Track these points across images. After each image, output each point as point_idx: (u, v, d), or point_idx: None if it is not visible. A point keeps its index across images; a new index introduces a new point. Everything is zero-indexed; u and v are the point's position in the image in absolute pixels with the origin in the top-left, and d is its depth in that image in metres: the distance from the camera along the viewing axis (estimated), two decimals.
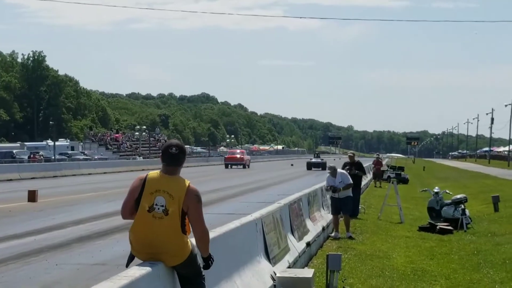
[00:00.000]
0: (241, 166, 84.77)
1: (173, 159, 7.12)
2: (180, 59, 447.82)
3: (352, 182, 20.70)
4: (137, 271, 6.34)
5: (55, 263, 14.42)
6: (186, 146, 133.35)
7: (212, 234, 8.82)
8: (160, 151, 7.30)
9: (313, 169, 76.02)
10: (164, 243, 6.87)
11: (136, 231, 6.98)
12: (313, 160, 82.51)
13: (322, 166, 74.42)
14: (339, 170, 20.89)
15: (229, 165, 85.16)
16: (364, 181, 35.11)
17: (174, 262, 6.98)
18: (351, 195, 20.75)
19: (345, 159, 27.68)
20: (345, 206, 20.17)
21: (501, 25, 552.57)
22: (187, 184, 7.04)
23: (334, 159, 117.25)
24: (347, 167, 25.03)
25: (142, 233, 6.93)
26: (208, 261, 7.39)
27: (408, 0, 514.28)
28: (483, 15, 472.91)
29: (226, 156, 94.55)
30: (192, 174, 62.69)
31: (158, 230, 6.86)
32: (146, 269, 6.45)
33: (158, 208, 6.87)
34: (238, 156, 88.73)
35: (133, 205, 7.06)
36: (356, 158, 27.08)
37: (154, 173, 7.13)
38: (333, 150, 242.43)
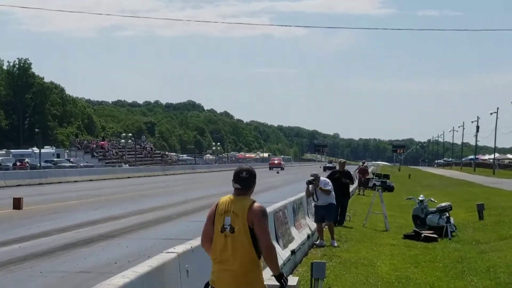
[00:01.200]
0: (280, 169, 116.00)
1: (240, 183, 7.50)
2: (166, 67, 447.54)
3: (329, 189, 20.58)
4: (120, 279, 6.36)
5: (40, 270, 14.39)
6: (172, 153, 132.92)
7: (196, 242, 8.83)
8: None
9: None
10: (234, 259, 7.13)
11: (214, 251, 7.32)
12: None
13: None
14: (322, 178, 20.89)
15: (272, 168, 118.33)
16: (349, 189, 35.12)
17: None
18: (334, 202, 20.73)
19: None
20: (329, 213, 20.18)
21: (485, 33, 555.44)
22: (254, 203, 7.34)
23: (320, 167, 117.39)
24: (337, 175, 25.07)
25: (217, 252, 7.26)
26: (281, 279, 7.38)
27: (394, 8, 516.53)
28: (468, 23, 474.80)
29: (269, 162, 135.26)
30: (178, 182, 62.71)
31: (229, 247, 7.17)
32: (130, 278, 6.47)
33: (226, 227, 7.23)
34: (276, 162, 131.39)
35: (211, 230, 7.41)
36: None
37: (226, 197, 7.52)
38: (319, 158, 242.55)
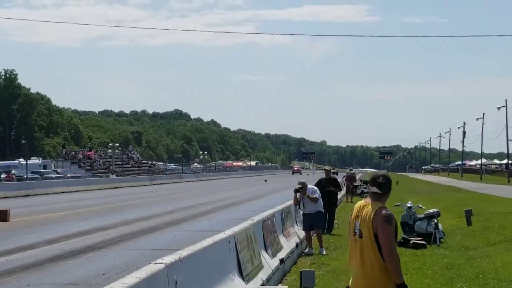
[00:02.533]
0: (299, 173, 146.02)
1: (378, 188, 7.54)
2: (153, 76, 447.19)
3: (317, 197, 20.57)
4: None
5: (27, 283, 14.29)
6: (159, 163, 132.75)
7: (185, 252, 8.79)
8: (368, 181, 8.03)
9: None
10: (363, 263, 7.35)
11: (349, 254, 7.66)
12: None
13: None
14: (309, 185, 20.85)
15: (294, 173, 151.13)
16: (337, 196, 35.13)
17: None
18: (322, 210, 20.71)
19: (320, 174, 27.71)
20: (317, 221, 20.15)
21: (471, 39, 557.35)
22: (379, 208, 7.43)
23: (308, 174, 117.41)
24: (323, 183, 25.03)
25: (351, 255, 7.62)
26: None
27: (380, 16, 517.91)
28: (453, 30, 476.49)
29: (292, 169, 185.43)
30: (165, 192, 62.59)
31: (358, 252, 7.42)
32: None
33: (356, 232, 7.49)
34: (296, 168, 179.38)
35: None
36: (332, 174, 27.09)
37: (361, 201, 7.71)
38: (307, 165, 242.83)
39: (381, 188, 7.53)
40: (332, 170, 31.14)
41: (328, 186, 25.00)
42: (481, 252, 20.11)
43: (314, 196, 20.32)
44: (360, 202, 7.66)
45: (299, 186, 20.41)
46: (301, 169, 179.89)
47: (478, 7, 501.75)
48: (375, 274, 7.27)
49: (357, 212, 7.52)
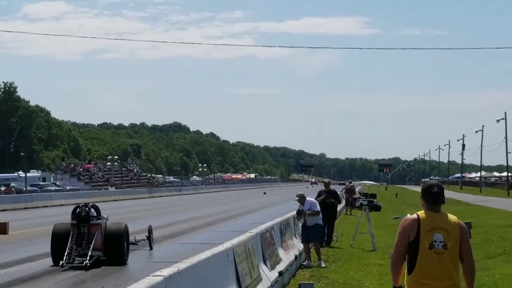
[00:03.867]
0: (316, 184, 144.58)
1: (436, 198, 7.53)
2: (152, 89, 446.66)
3: (319, 210, 20.61)
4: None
5: None
6: (158, 175, 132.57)
7: (183, 265, 8.79)
8: (421, 191, 7.69)
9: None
10: (449, 275, 7.36)
11: (422, 268, 7.39)
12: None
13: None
14: (308, 198, 20.88)
15: (313, 185, 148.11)
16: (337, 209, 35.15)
17: None
18: (321, 223, 20.73)
19: (319, 187, 27.71)
20: (315, 234, 20.16)
21: (469, 52, 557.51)
22: (457, 219, 7.50)
23: (307, 187, 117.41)
24: (324, 195, 25.04)
25: (425, 269, 7.37)
26: None
27: (378, 28, 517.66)
28: (451, 42, 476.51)
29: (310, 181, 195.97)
30: (164, 204, 62.54)
31: (440, 264, 7.34)
32: None
33: (438, 244, 7.32)
34: (314, 180, 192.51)
35: (407, 245, 7.47)
36: (331, 187, 27.12)
37: (421, 213, 7.53)
38: (306, 178, 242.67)
39: (439, 198, 7.56)
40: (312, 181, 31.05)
41: (328, 198, 25.02)
42: (481, 264, 20.10)
43: (316, 209, 20.37)
44: (424, 213, 7.47)
45: (297, 198, 20.48)
46: (317, 181, 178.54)
47: (476, 20, 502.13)
48: (458, 284, 7.42)
49: (432, 224, 7.37)
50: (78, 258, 18.33)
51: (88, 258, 18.00)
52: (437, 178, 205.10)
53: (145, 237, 22.78)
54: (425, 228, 7.35)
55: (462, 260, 7.43)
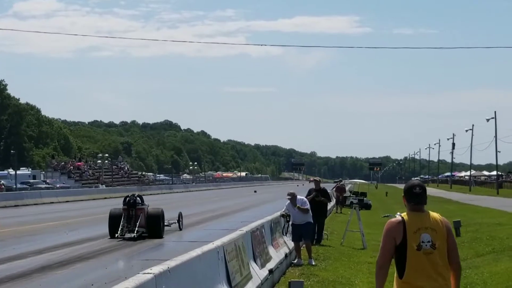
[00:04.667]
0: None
1: (419, 198, 7.38)
2: (143, 87, 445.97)
3: (308, 208, 20.64)
4: None
5: None
6: (149, 173, 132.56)
7: (173, 263, 8.81)
8: (403, 192, 7.55)
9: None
10: (441, 275, 7.24)
11: (413, 271, 7.23)
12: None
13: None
14: (299, 196, 20.92)
15: (310, 182, 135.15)
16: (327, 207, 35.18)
17: None
18: (311, 221, 20.77)
19: (309, 185, 27.77)
20: (306, 232, 20.19)
21: (460, 52, 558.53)
22: (440, 216, 7.40)
23: (298, 185, 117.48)
24: (314, 193, 25.05)
25: (414, 270, 7.22)
26: None
27: (370, 27, 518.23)
28: (443, 42, 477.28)
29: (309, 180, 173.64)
30: (154, 202, 62.38)
31: (430, 264, 7.21)
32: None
33: (426, 245, 7.22)
34: (312, 179, 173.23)
35: (393, 248, 7.34)
36: (322, 185, 27.16)
37: (405, 214, 7.39)
38: (297, 176, 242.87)
39: (421, 198, 7.40)
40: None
41: (318, 197, 25.04)
42: (470, 263, 20.18)
43: (305, 207, 20.40)
44: (408, 215, 7.34)
45: (289, 197, 20.52)
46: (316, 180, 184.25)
47: (468, 19, 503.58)
48: (448, 283, 7.33)
49: (418, 225, 7.23)
50: (128, 234, 25.03)
51: (135, 232, 24.92)
52: (427, 176, 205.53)
53: (176, 221, 29.11)
54: (412, 230, 7.22)
55: (448, 256, 7.33)
